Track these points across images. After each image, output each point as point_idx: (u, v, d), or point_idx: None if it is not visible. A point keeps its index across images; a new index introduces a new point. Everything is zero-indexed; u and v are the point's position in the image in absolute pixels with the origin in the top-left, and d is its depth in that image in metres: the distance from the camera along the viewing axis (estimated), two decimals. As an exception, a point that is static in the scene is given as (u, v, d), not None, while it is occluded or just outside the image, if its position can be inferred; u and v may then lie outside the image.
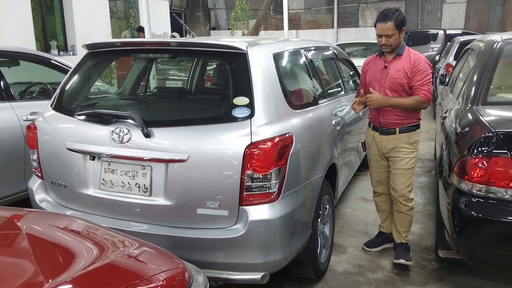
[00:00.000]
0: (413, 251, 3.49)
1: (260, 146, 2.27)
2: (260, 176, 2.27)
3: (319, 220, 3.01)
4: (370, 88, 3.08)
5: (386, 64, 3.13)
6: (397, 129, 3.16)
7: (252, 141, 2.26)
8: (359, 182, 5.21)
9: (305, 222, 2.63)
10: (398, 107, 3.08)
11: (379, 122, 3.21)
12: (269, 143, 2.28)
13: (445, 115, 3.66)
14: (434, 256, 3.41)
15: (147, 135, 2.35)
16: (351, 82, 4.56)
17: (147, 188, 2.41)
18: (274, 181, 2.30)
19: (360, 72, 4.45)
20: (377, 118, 3.23)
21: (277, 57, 2.67)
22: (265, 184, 2.28)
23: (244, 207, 2.28)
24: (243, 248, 2.30)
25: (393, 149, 3.21)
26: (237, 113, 2.33)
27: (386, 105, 3.04)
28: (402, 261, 3.20)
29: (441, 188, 3.03)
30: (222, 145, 2.29)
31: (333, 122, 3.19)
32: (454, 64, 6.79)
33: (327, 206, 3.22)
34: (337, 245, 3.58)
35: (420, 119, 3.29)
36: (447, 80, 5.40)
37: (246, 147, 2.25)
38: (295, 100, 2.77)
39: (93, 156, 2.52)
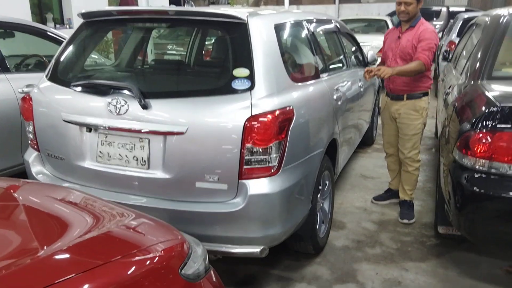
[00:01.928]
0: (413, 227, 3.49)
1: (260, 119, 2.22)
2: (260, 150, 2.22)
3: (318, 195, 2.99)
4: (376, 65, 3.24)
5: (400, 34, 3.41)
6: (405, 95, 3.43)
7: (252, 114, 2.21)
8: (358, 160, 5.18)
9: (305, 196, 2.61)
10: (403, 74, 3.31)
11: (390, 89, 3.52)
12: (270, 116, 2.23)
13: (448, 91, 3.60)
14: (433, 232, 3.41)
15: (145, 107, 2.30)
16: (353, 57, 4.48)
17: (145, 161, 2.37)
18: (274, 155, 2.26)
19: (362, 48, 4.48)
20: (388, 85, 3.53)
21: (278, 28, 2.60)
22: (265, 158, 2.24)
23: (244, 181, 2.25)
24: (242, 222, 2.28)
25: (401, 115, 3.47)
26: (237, 85, 2.27)
27: (393, 74, 3.22)
28: (405, 220, 3.54)
29: (442, 164, 3.00)
30: (221, 118, 2.24)
31: (335, 97, 3.13)
32: (457, 42, 6.71)
33: (327, 182, 3.19)
34: (336, 221, 3.57)
35: (430, 88, 3.50)
36: (450, 56, 5.32)
37: (246, 120, 2.20)
38: (297, 72, 2.70)
39: (90, 128, 2.47)
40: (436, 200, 3.26)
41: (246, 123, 2.20)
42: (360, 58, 4.63)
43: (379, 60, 3.92)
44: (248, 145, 2.21)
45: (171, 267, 1.33)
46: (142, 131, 2.33)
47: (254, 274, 2.86)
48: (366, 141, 5.49)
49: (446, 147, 2.98)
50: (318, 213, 3.03)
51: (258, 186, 2.25)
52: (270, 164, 2.26)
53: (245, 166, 2.23)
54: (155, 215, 2.05)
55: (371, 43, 9.23)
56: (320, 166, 2.81)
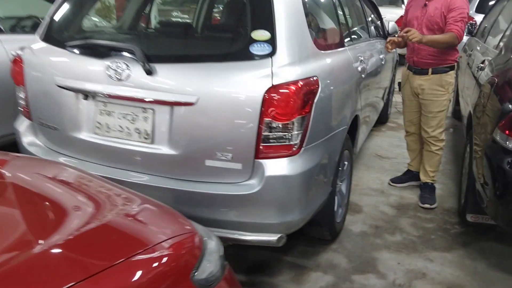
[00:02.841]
0: (435, 213, 3.25)
1: (281, 90, 1.93)
2: (280, 126, 1.94)
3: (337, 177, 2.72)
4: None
5: (426, 1, 3.12)
6: (430, 69, 3.14)
7: (273, 83, 1.92)
8: (373, 138, 4.91)
9: (326, 179, 2.34)
10: (432, 44, 3.02)
11: (413, 61, 3.20)
12: (293, 87, 1.94)
13: (481, 65, 3.28)
14: (456, 219, 3.16)
15: (149, 72, 2.01)
16: (372, 27, 4.14)
17: (148, 134, 2.09)
18: (296, 132, 1.98)
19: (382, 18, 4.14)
20: (411, 57, 3.21)
21: (302, -15, 2.27)
22: (286, 135, 1.96)
23: (260, 161, 1.98)
24: (257, 206, 2.02)
25: (425, 91, 3.19)
26: (255, 49, 1.97)
27: (422, 41, 2.93)
28: (427, 205, 3.29)
29: (475, 146, 2.73)
30: (237, 87, 1.95)
31: (359, 69, 2.82)
32: (475, 17, 6.40)
33: (346, 162, 2.92)
34: (352, 203, 3.32)
35: (456, 61, 3.24)
36: (475, 30, 4.97)
37: (266, 90, 1.91)
38: (321, 38, 2.39)
39: (86, 95, 2.18)
40: (466, 185, 2.99)
41: (266, 94, 1.91)
42: (381, 28, 4.29)
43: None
44: (267, 119, 1.93)
45: (181, 272, 1.06)
46: (146, 100, 2.04)
47: (265, 260, 2.63)
48: (381, 119, 5.21)
49: (481, 127, 2.70)
50: (336, 197, 2.78)
51: (277, 166, 1.98)
52: (291, 142, 1.98)
53: (262, 144, 1.96)
54: (159, 195, 1.82)
55: (384, 17, 8.82)
56: (343, 145, 2.54)
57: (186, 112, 1.99)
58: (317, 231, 2.64)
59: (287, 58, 1.99)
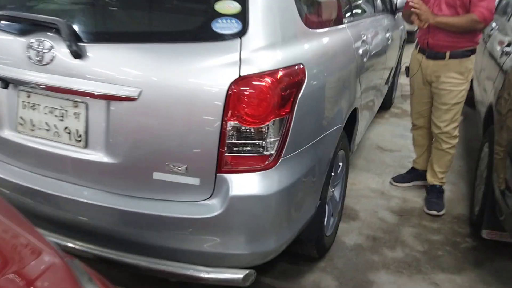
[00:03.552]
0: (443, 221, 2.79)
1: (253, 84, 1.43)
2: (251, 131, 1.46)
3: (329, 183, 2.25)
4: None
5: None
6: (447, 53, 2.63)
7: (241, 74, 1.42)
8: (374, 127, 4.40)
9: (312, 193, 1.87)
10: (446, 27, 2.52)
11: (427, 44, 2.68)
12: (268, 79, 1.45)
13: (507, 49, 2.76)
14: (468, 229, 2.71)
15: (77, 55, 1.51)
16: (378, 0, 3.57)
17: (80, 136, 1.61)
18: (272, 139, 1.49)
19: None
20: (425, 38, 2.69)
21: None
22: (258, 143, 1.48)
23: (224, 175, 1.50)
24: (219, 233, 1.55)
25: (440, 78, 2.70)
26: (219, 26, 1.46)
27: (432, 21, 2.51)
28: (433, 212, 2.83)
29: (497, 146, 2.25)
30: (192, 78, 1.45)
31: (360, 52, 2.31)
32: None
33: (341, 163, 2.45)
34: (347, 208, 2.86)
35: (478, 43, 2.69)
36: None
37: (231, 83, 1.42)
38: (314, 13, 1.87)
39: (6, 82, 1.69)
40: (483, 193, 2.52)
41: (231, 88, 1.42)
42: (388, 2, 3.73)
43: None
44: (233, 122, 1.44)
45: None
46: (75, 91, 1.55)
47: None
48: (384, 104, 4.70)
49: (505, 124, 2.22)
50: (327, 206, 2.31)
51: (245, 184, 1.50)
52: (265, 152, 1.50)
53: (226, 154, 1.48)
54: (95, 215, 1.49)
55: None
56: (336, 146, 2.05)
57: (125, 109, 1.50)
58: (302, 249, 2.19)
59: (262, 39, 1.49)
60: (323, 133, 1.81)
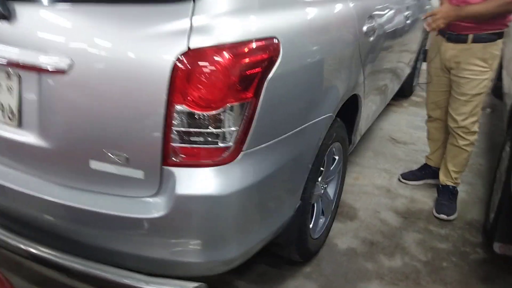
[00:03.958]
0: (452, 227, 2.47)
1: (205, 59, 1.16)
2: (203, 117, 1.19)
3: (319, 180, 1.97)
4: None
5: None
6: (470, 36, 2.28)
7: (191, 46, 1.15)
8: (389, 115, 4.06)
9: (289, 192, 1.60)
10: (475, 17, 2.19)
11: (448, 25, 2.28)
12: (226, 54, 1.17)
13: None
14: (480, 238, 2.39)
15: (2, 15, 1.26)
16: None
17: (13, 113, 1.37)
18: (230, 128, 1.22)
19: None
20: None
21: None
22: (211, 132, 1.21)
23: (171, 169, 1.25)
24: (168, 237, 1.31)
25: (460, 65, 2.35)
26: (167, -15, 1.18)
27: (458, 18, 2.22)
28: (443, 216, 2.52)
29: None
30: (133, 49, 1.18)
31: (364, 29, 1.98)
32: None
33: (337, 157, 2.16)
34: (345, 205, 2.58)
35: (507, 26, 2.31)
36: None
37: (178, 57, 1.15)
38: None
39: None
40: (499, 200, 2.19)
41: (178, 64, 1.14)
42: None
43: None
44: (179, 106, 1.17)
45: None
46: (3, 61, 1.31)
47: (209, 282, 1.95)
48: (404, 92, 4.33)
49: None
50: (315, 204, 2.04)
51: (196, 180, 1.24)
52: (220, 144, 1.23)
53: (173, 144, 1.22)
54: (29, 208, 1.28)
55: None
56: (325, 139, 1.77)
57: (56, 84, 1.26)
58: (282, 250, 1.94)
59: (224, 3, 1.20)
60: (305, 123, 1.52)
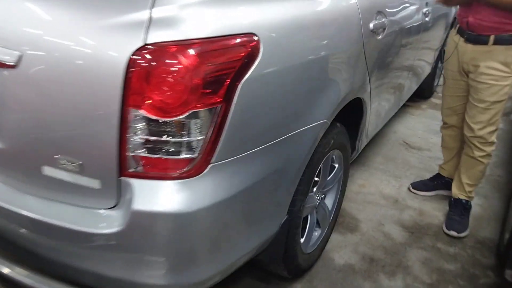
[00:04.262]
0: (463, 245, 2.27)
1: (165, 57, 1.00)
2: (162, 123, 1.03)
3: (314, 190, 1.81)
4: None
5: None
6: (491, 37, 2.05)
7: (148, 41, 0.99)
8: (405, 118, 3.83)
9: (271, 207, 1.43)
10: (494, 4, 1.96)
11: (467, 23, 2.12)
12: (192, 52, 1.01)
13: None
14: (493, 259, 2.18)
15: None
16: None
17: (-35, 108, 1.25)
18: (195, 137, 1.06)
19: None
20: (465, 16, 2.13)
21: None
22: (172, 141, 1.05)
23: (129, 180, 1.10)
24: (127, 255, 1.16)
25: (479, 68, 2.14)
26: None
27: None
28: (453, 233, 2.31)
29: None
30: (85, 42, 1.03)
31: (371, 26, 1.79)
32: None
33: (337, 165, 1.98)
34: (346, 214, 2.40)
35: None
36: None
37: (133, 54, 0.99)
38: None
39: None
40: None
41: (133, 61, 0.99)
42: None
43: None
44: (135, 110, 1.02)
45: None
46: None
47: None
48: (422, 92, 4.09)
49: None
50: (309, 216, 1.87)
51: (156, 195, 1.09)
52: (183, 155, 1.07)
53: (131, 153, 1.07)
54: None
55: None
56: (320, 147, 1.59)
57: (6, 79, 1.12)
58: (269, 266, 1.78)
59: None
60: (291, 131, 1.35)
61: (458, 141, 2.50)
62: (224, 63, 1.05)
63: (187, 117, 1.03)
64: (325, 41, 1.42)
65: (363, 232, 2.29)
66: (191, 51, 1.00)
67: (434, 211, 2.53)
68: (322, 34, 1.41)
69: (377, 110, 2.31)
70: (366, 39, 1.74)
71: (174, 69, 0.99)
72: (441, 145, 2.64)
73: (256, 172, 1.26)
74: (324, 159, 1.74)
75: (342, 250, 2.14)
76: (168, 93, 1.00)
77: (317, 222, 1.98)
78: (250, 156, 1.21)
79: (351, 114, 2.00)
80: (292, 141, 1.37)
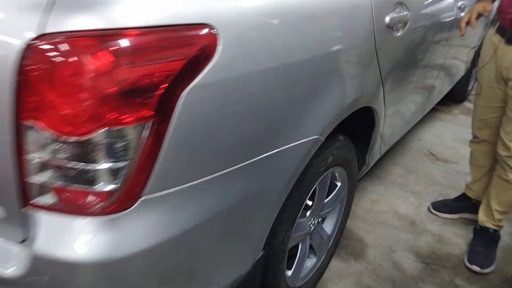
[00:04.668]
0: (486, 283, 1.93)
1: (74, 52, 0.72)
2: (68, 143, 0.76)
3: (306, 215, 1.51)
4: None
5: None
6: None
7: (48, 29, 0.72)
8: (433, 123, 3.45)
9: (239, 244, 1.15)
10: None
11: (510, 21, 1.77)
12: (109, 46, 0.72)
13: None
14: (523, 304, 1.83)
15: None
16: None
17: None
18: (118, 163, 0.79)
19: None
20: (507, 12, 1.78)
21: None
22: (85, 167, 0.78)
23: (33, 213, 0.84)
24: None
25: None
26: None
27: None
28: (476, 268, 1.95)
29: None
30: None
31: (387, 20, 1.46)
32: None
33: (339, 183, 1.67)
34: (352, 236, 2.09)
35: None
36: None
37: (27, 48, 0.72)
38: None
39: None
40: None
41: (25, 57, 0.72)
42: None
43: None
44: (31, 124, 0.75)
45: None
46: None
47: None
48: (456, 96, 3.70)
49: None
50: (300, 244, 1.58)
51: (64, 235, 0.82)
52: (97, 186, 0.80)
53: (34, 179, 0.80)
54: None
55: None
56: (314, 166, 1.30)
57: None
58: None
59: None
60: (266, 151, 1.06)
61: (490, 158, 2.14)
62: (159, 64, 0.77)
63: (100, 136, 0.75)
64: (317, 39, 1.11)
65: (369, 260, 1.98)
66: (108, 46, 0.72)
67: (456, 238, 2.18)
68: (313, 29, 1.09)
69: (396, 117, 1.98)
70: (379, 37, 1.41)
71: (79, 69, 0.71)
72: (470, 162, 2.28)
73: (214, 204, 0.97)
74: (320, 179, 1.44)
75: (341, 281, 1.84)
76: (72, 103, 0.72)
77: (312, 248, 1.68)
78: (204, 184, 0.93)
79: (361, 123, 1.69)
80: (268, 163, 1.07)
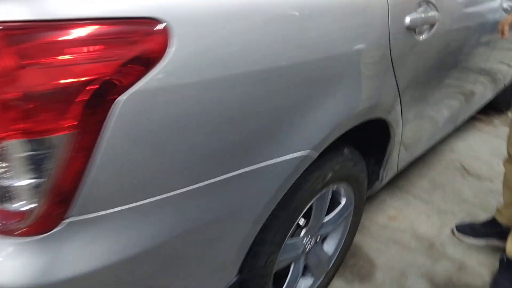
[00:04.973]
0: (508, 326, 1.70)
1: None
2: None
3: (301, 234, 1.35)
4: None
5: None
6: None
7: None
8: (470, 133, 3.17)
9: (208, 267, 1.01)
10: None
11: None
12: (18, 40, 0.60)
13: None
14: None
15: None
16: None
17: None
18: (30, 179, 0.66)
19: None
20: None
21: None
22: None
23: None
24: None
25: None
26: None
27: None
28: None
29: None
30: None
31: (407, 21, 1.26)
32: None
33: (344, 200, 1.50)
34: (361, 254, 1.91)
35: None
36: None
37: None
38: None
39: None
40: None
41: None
42: None
43: None
44: None
45: None
46: None
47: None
48: (498, 104, 3.38)
49: None
50: (293, 266, 1.42)
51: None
52: (13, 203, 0.68)
53: None
54: None
55: None
56: (308, 183, 1.14)
57: None
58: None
59: None
60: (241, 167, 0.90)
61: (526, 182, 1.89)
62: (84, 65, 0.63)
63: (8, 148, 0.63)
64: (308, 41, 0.93)
65: (376, 283, 1.79)
66: (15, 42, 0.59)
67: (479, 267, 1.95)
68: (303, 29, 0.92)
69: (419, 130, 1.77)
70: (395, 39, 1.22)
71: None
72: (503, 183, 2.03)
73: (171, 225, 0.84)
74: (317, 197, 1.28)
75: (342, 306, 1.67)
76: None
77: (309, 268, 1.53)
78: (156, 204, 0.79)
79: (376, 135, 1.51)
80: (242, 181, 0.92)
